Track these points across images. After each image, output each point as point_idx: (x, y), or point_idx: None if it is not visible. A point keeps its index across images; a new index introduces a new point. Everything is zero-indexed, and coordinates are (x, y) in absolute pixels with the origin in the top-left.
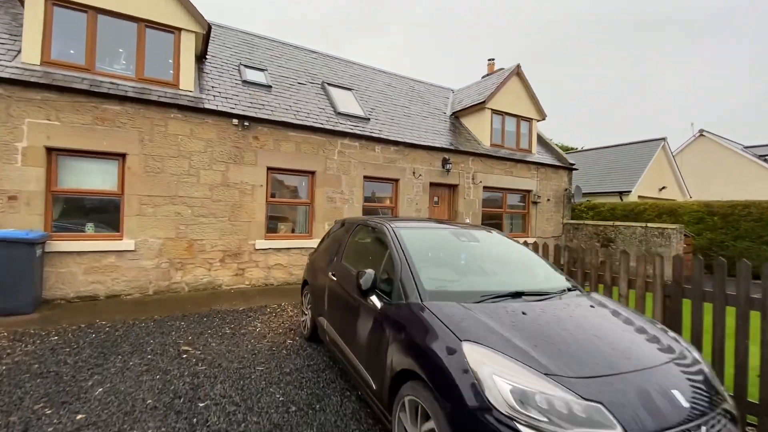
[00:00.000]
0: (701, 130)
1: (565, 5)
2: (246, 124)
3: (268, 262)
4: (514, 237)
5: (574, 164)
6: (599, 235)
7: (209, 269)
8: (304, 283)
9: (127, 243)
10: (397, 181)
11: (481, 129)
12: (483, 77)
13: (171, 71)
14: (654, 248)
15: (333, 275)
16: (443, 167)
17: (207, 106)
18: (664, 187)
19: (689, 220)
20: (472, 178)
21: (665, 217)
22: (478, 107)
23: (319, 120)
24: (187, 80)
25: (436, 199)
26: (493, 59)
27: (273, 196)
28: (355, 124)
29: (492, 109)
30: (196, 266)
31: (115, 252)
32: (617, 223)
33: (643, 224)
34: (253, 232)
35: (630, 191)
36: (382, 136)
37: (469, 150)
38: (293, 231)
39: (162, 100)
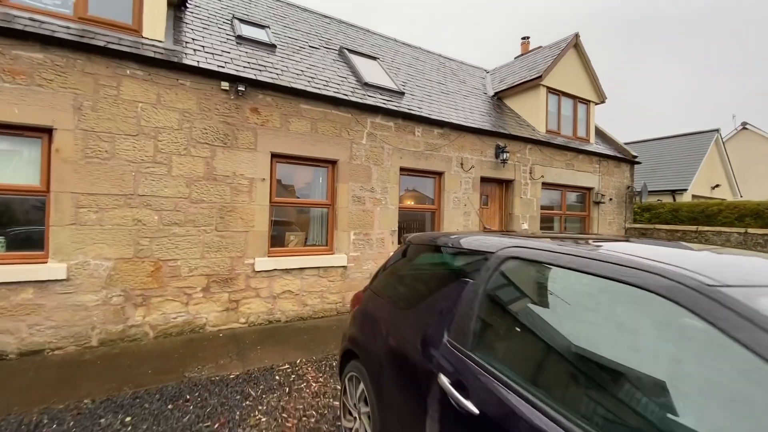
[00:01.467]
0: (744, 123)
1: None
2: (241, 89)
3: (273, 289)
4: None
5: (636, 156)
6: None
7: (186, 303)
8: (347, 355)
9: (53, 268)
10: (440, 175)
11: (533, 112)
12: (517, 57)
13: (130, 11)
14: None
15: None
16: (497, 157)
17: (185, 61)
18: (717, 185)
19: None
20: (530, 172)
21: (749, 221)
22: (530, 85)
23: (341, 90)
24: (154, 26)
25: (484, 198)
26: (527, 37)
27: (279, 194)
28: (387, 98)
29: (548, 87)
30: (167, 299)
31: (34, 283)
32: (704, 228)
33: (742, 229)
34: (251, 247)
35: (685, 189)
36: (423, 114)
37: (526, 136)
38: (306, 243)
39: (113, 47)
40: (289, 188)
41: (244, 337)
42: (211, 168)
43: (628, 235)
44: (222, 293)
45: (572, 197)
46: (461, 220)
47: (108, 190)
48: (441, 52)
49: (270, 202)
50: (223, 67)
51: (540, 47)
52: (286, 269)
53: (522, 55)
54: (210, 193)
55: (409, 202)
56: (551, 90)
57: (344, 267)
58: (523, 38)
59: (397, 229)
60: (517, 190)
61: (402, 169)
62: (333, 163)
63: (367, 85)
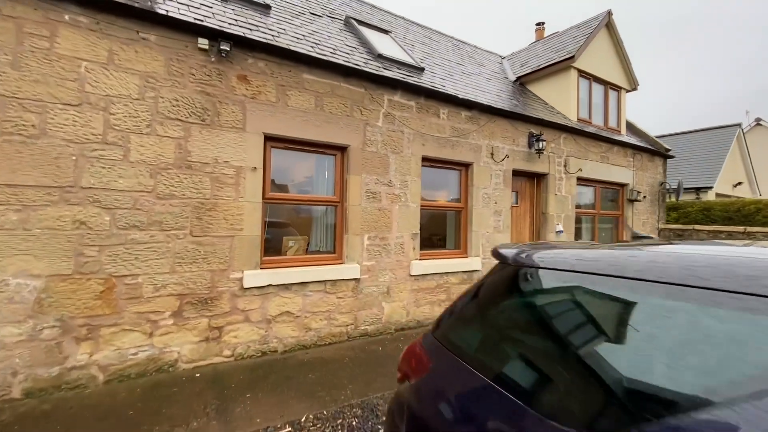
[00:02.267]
0: (758, 119)
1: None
2: (225, 48)
3: (268, 311)
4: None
5: (670, 150)
6: None
7: (151, 334)
8: None
9: None
10: (467, 167)
11: (562, 98)
12: (533, 43)
13: None
14: None
15: None
16: (530, 147)
17: (150, 7)
18: (739, 183)
19: None
20: (564, 165)
21: None
22: (560, 67)
23: (352, 59)
24: None
25: (513, 195)
26: (542, 23)
27: (275, 189)
28: (406, 73)
29: (579, 70)
30: (124, 330)
31: None
32: (754, 229)
33: None
34: (238, 256)
35: (711, 187)
36: (449, 92)
37: (562, 123)
38: (308, 250)
39: None
40: (288, 181)
41: (228, 377)
42: (185, 152)
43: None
44: (200, 318)
45: (607, 194)
46: (491, 221)
47: (36, 180)
48: (453, 34)
49: (263, 198)
50: (203, 20)
51: (553, 34)
52: (284, 284)
53: (539, 40)
54: (183, 185)
55: (432, 200)
56: (582, 73)
57: (356, 280)
58: (538, 24)
59: (418, 231)
60: (551, 186)
61: (424, 160)
62: (342, 149)
63: (381, 58)
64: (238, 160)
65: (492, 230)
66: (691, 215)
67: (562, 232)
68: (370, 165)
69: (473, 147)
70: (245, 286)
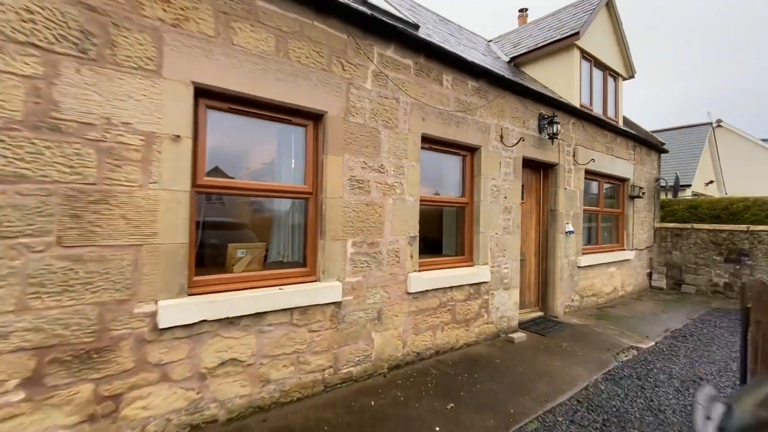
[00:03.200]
0: (719, 120)
1: None
2: None
3: (201, 361)
4: (609, 251)
5: (664, 144)
6: (720, 246)
7: None
8: None
9: None
10: (474, 151)
11: (563, 80)
12: (521, 27)
13: None
14: None
15: None
16: (540, 131)
17: None
18: (711, 182)
19: None
20: (573, 155)
21: None
22: (561, 46)
23: None
24: None
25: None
26: (525, 9)
27: (214, 173)
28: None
29: (582, 51)
30: None
31: None
32: (757, 228)
33: None
34: (147, 278)
35: (690, 185)
36: (453, 51)
37: (571, 105)
38: (266, 263)
39: None
40: (235, 162)
41: None
42: (48, 104)
43: (663, 237)
44: (78, 385)
45: (608, 190)
46: (501, 220)
47: None
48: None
49: (193, 185)
50: None
51: (544, 17)
52: (228, 319)
53: (530, 23)
54: (44, 160)
55: (432, 193)
56: (585, 55)
57: (336, 304)
58: (521, 10)
59: (417, 234)
60: (560, 179)
61: (424, 140)
62: (316, 118)
63: (368, 4)
64: (149, 123)
65: (501, 231)
66: (678, 213)
67: (572, 232)
68: (355, 142)
69: (481, 127)
70: (161, 325)
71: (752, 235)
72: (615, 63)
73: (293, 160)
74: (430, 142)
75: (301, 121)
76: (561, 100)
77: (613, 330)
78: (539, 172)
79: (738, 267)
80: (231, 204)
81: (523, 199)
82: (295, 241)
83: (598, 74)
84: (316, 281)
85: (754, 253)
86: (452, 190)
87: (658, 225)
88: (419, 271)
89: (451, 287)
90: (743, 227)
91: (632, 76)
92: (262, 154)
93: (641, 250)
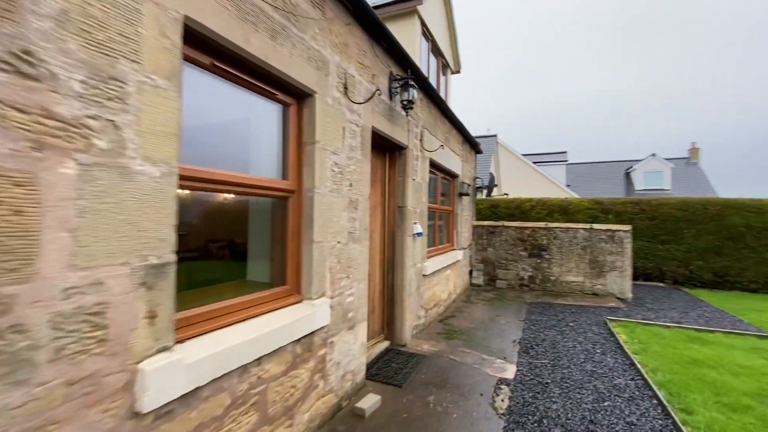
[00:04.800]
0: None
1: None
2: None
3: None
4: (445, 252)
5: (480, 143)
6: (525, 242)
7: None
8: None
9: None
10: (303, 99)
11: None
12: None
13: None
14: (603, 256)
15: None
16: (391, 97)
17: None
18: (495, 185)
19: (583, 218)
20: (420, 138)
21: (557, 216)
22: (405, 9)
23: None
24: None
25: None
26: None
27: None
28: None
29: (423, 23)
30: None
31: None
32: (552, 225)
33: (587, 225)
34: None
35: (487, 187)
36: None
37: (422, 73)
38: None
39: None
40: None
41: None
42: None
43: (480, 235)
44: None
45: (442, 187)
46: (345, 220)
47: None
48: None
49: None
50: None
51: None
52: None
53: None
54: None
55: (210, 165)
56: (425, 30)
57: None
58: None
59: (172, 256)
60: (409, 167)
61: (193, 41)
62: None
63: None
64: None
65: (346, 238)
66: (483, 212)
67: (421, 234)
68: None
69: (315, 57)
70: None
71: (550, 232)
72: (447, 52)
73: None
74: (208, 53)
75: None
76: (413, 60)
77: (470, 355)
78: (384, 155)
79: (539, 261)
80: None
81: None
82: None
83: (434, 60)
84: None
85: (550, 247)
86: (262, 166)
87: (476, 223)
88: (173, 347)
89: (258, 358)
90: (542, 224)
91: (458, 71)
92: None
93: (465, 248)
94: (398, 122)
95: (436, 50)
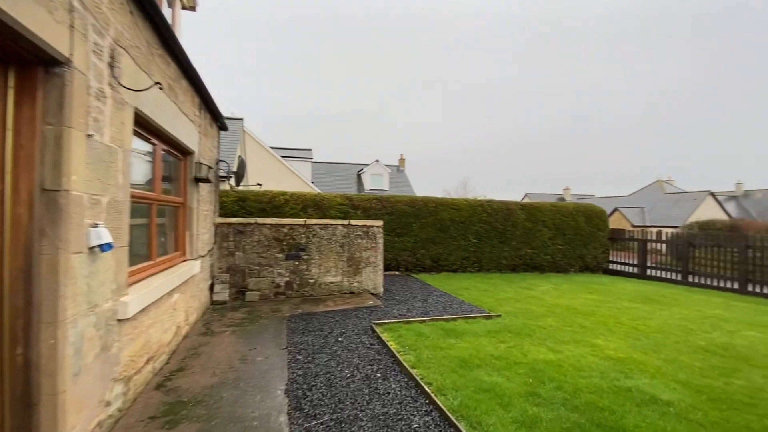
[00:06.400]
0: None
1: None
2: None
3: None
4: (170, 266)
5: (222, 116)
6: (282, 241)
7: None
8: None
9: None
10: None
11: None
12: None
13: None
14: (359, 252)
15: None
16: None
17: None
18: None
19: (335, 213)
20: (111, 60)
21: (311, 211)
22: None
23: None
24: None
25: None
26: None
27: None
28: None
29: None
30: None
31: None
32: (312, 221)
33: (345, 222)
34: None
35: (230, 177)
36: None
37: None
38: None
39: None
40: None
41: None
42: None
43: (226, 235)
44: None
45: (166, 166)
46: None
47: None
48: None
49: None
50: None
51: None
52: None
53: None
54: None
55: None
56: None
57: None
58: None
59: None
60: (76, 108)
61: None
62: None
63: None
64: None
65: None
66: (228, 206)
67: (110, 246)
68: None
69: None
70: None
71: (309, 229)
72: None
73: None
74: None
75: None
76: None
77: None
78: (4, 67)
79: (297, 263)
80: None
81: None
82: None
83: None
84: None
85: (310, 247)
86: None
87: (220, 220)
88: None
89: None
90: (301, 221)
91: (193, 8)
92: None
93: (204, 256)
94: None
95: None
